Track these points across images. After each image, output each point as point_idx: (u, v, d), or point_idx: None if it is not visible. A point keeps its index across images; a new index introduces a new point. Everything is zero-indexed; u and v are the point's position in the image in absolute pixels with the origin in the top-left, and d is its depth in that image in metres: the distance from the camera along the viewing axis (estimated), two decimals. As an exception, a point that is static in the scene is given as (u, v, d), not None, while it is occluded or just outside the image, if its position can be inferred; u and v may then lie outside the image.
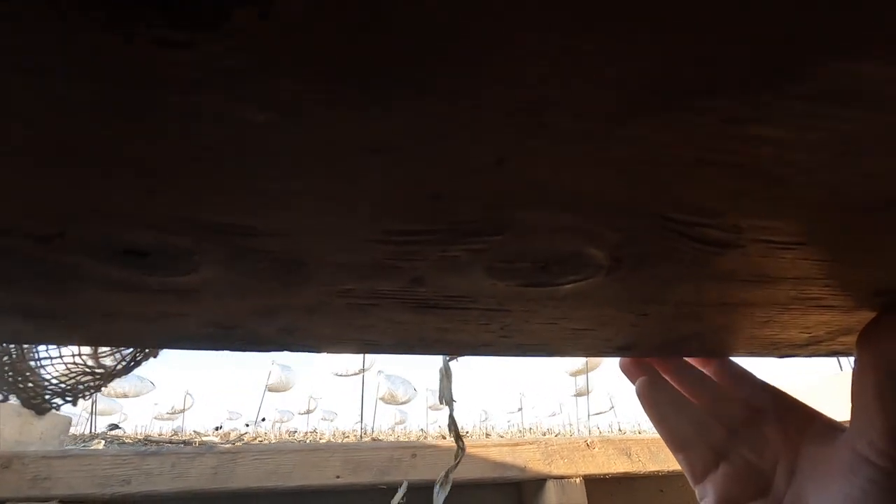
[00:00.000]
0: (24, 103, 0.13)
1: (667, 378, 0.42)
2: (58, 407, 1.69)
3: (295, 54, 0.12)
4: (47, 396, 1.65)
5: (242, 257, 0.21)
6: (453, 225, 0.20)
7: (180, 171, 0.16)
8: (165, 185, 0.17)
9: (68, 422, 2.00)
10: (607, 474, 1.59)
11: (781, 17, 0.12)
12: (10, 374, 1.56)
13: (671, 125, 0.15)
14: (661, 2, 0.11)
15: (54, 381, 1.68)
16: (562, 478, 1.56)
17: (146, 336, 0.34)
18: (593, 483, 1.59)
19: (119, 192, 0.17)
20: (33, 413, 1.65)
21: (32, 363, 1.64)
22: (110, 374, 1.78)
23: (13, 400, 1.59)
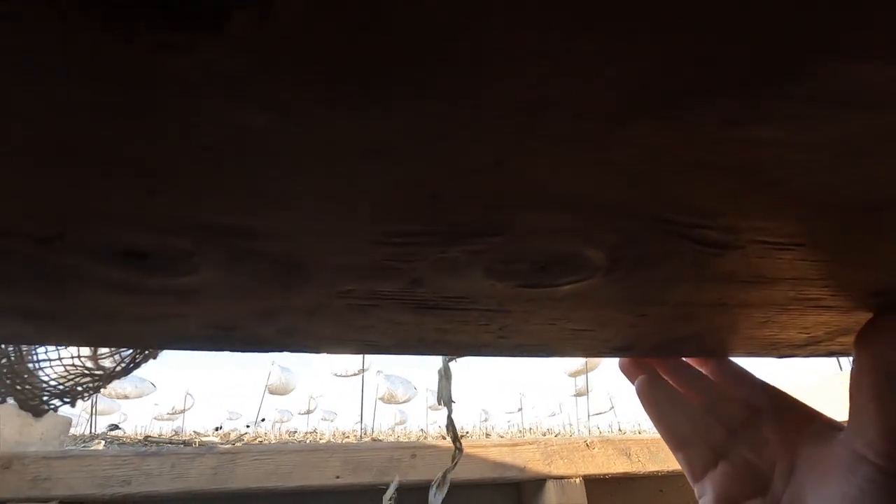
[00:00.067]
0: (23, 103, 0.13)
1: (666, 378, 0.42)
2: (56, 408, 1.69)
3: (295, 55, 0.12)
4: (45, 398, 1.65)
5: (242, 259, 0.21)
6: (452, 226, 0.20)
7: (180, 171, 0.16)
8: (165, 186, 0.17)
9: (68, 422, 2.00)
10: (607, 474, 1.59)
11: (781, 17, 0.12)
12: (9, 375, 1.56)
13: (671, 126, 0.15)
14: (661, 2, 0.11)
15: (53, 383, 1.68)
16: (561, 478, 1.56)
17: (146, 337, 0.34)
18: (593, 483, 1.59)
19: (119, 192, 0.17)
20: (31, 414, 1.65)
21: (31, 365, 1.64)
22: (109, 376, 1.78)
23: (11, 402, 1.59)
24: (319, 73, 0.12)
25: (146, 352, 1.70)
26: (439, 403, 1.18)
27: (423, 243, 0.21)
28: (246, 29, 0.11)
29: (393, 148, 0.15)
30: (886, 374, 0.29)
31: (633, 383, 0.42)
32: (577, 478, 1.57)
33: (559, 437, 2.01)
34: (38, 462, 1.31)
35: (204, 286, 0.24)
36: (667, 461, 1.62)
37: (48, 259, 0.21)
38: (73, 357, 1.73)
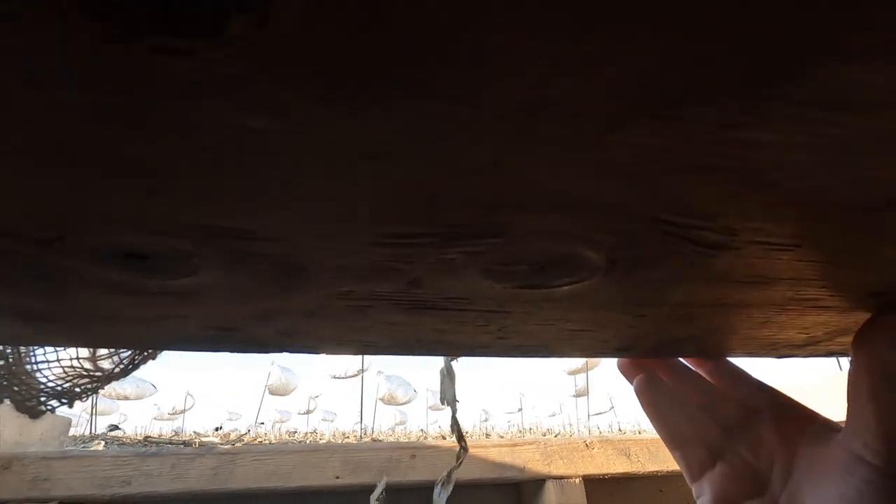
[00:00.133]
0: (23, 104, 0.13)
1: (664, 378, 0.42)
2: (53, 409, 1.69)
3: (295, 55, 0.12)
4: (43, 399, 1.64)
5: (242, 260, 0.21)
6: (451, 227, 0.20)
7: (180, 172, 0.16)
8: (165, 187, 0.17)
9: (68, 423, 2.00)
10: (606, 474, 1.59)
11: (781, 17, 0.12)
12: (6, 377, 1.56)
13: (671, 126, 0.15)
14: (661, 2, 0.11)
15: (51, 384, 1.68)
16: (561, 478, 1.56)
17: (146, 338, 0.34)
18: (592, 483, 1.59)
19: (119, 193, 0.17)
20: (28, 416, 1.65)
21: (29, 366, 1.64)
22: (108, 377, 1.77)
23: (8, 402, 1.58)
24: (319, 73, 0.12)
25: (145, 353, 1.70)
26: (443, 403, 1.18)
27: (422, 244, 0.21)
28: (245, 31, 0.11)
29: (393, 148, 0.15)
30: (884, 375, 0.29)
31: (631, 383, 0.42)
32: (576, 478, 1.57)
33: (559, 437, 2.01)
34: (38, 462, 1.31)
35: (204, 287, 0.24)
36: (666, 461, 1.62)
37: (48, 260, 0.21)
38: (71, 359, 1.73)
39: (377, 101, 0.13)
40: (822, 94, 0.14)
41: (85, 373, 1.75)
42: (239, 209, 0.18)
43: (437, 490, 1.29)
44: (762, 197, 0.18)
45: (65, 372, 1.72)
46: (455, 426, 1.26)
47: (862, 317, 0.31)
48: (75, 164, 0.15)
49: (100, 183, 0.16)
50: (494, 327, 0.31)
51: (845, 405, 0.32)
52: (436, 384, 1.23)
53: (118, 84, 0.12)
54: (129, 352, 1.73)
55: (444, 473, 1.30)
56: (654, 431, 0.42)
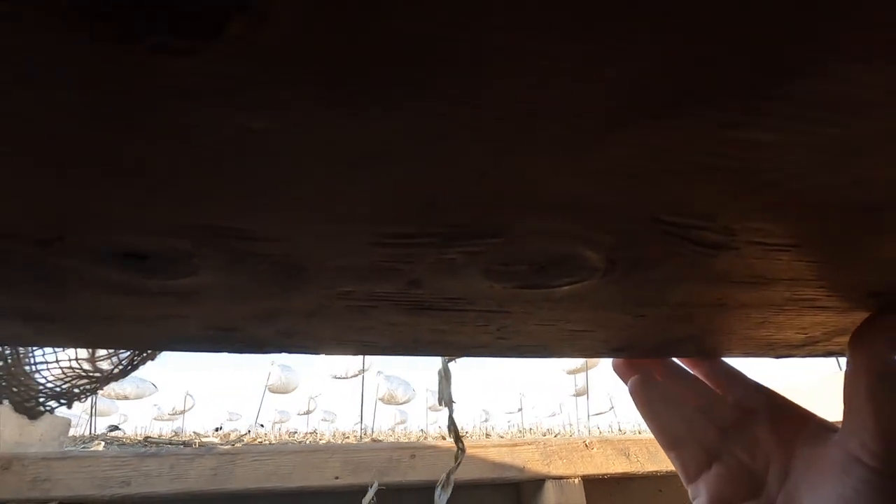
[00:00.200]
0: (23, 104, 0.13)
1: (660, 378, 0.42)
2: (52, 410, 1.69)
3: (295, 55, 0.12)
4: (42, 399, 1.64)
5: (242, 260, 0.21)
6: (450, 227, 0.20)
7: (180, 172, 0.16)
8: (165, 187, 0.17)
9: (67, 423, 2.00)
10: (606, 474, 1.59)
11: (781, 17, 0.12)
12: (4, 377, 1.56)
13: (671, 126, 0.15)
14: (661, 2, 0.11)
15: (49, 385, 1.68)
16: (560, 478, 1.56)
17: (146, 338, 0.34)
18: (592, 483, 1.59)
19: (119, 193, 0.17)
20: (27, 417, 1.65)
21: (28, 367, 1.64)
22: (107, 378, 1.77)
23: (6, 403, 1.58)
24: (319, 73, 0.12)
25: (144, 354, 1.70)
26: (440, 404, 1.18)
27: (421, 245, 0.21)
28: (245, 31, 0.11)
29: (393, 148, 0.15)
30: (880, 376, 0.29)
31: (626, 384, 0.42)
32: (575, 478, 1.57)
33: (558, 437, 2.01)
34: (38, 463, 1.31)
35: (204, 288, 0.24)
36: (665, 461, 1.61)
37: (48, 260, 0.21)
38: (70, 359, 1.73)
39: (377, 101, 0.13)
40: (822, 94, 0.14)
41: (84, 373, 1.75)
42: (239, 209, 0.18)
43: (437, 492, 1.28)
44: (762, 197, 0.18)
45: (64, 373, 1.72)
46: (452, 427, 1.26)
47: (860, 317, 0.31)
48: (75, 164, 0.15)
49: (100, 183, 0.16)
50: (494, 327, 0.31)
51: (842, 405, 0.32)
52: (435, 384, 1.23)
53: (118, 84, 0.12)
54: (128, 352, 1.73)
55: (444, 475, 1.30)
56: (654, 432, 0.42)
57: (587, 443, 1.64)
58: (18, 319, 0.28)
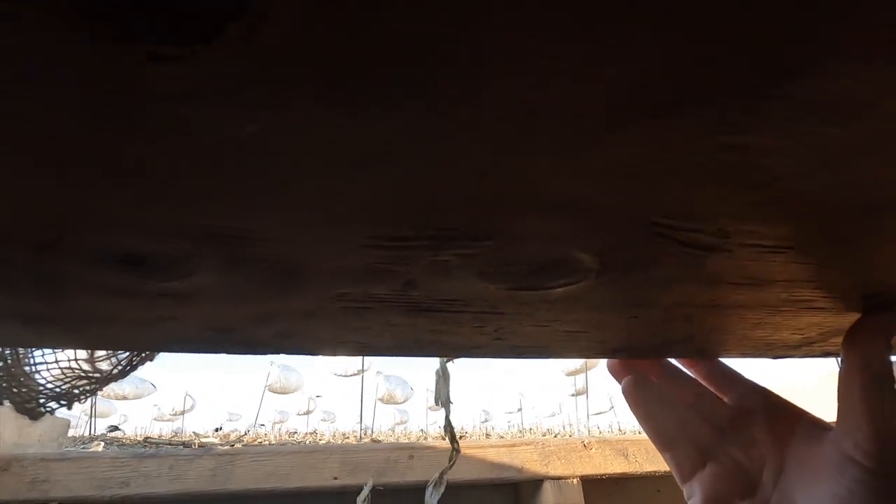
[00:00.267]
0: (23, 104, 0.13)
1: (655, 379, 0.42)
2: (52, 411, 1.69)
3: (295, 55, 0.12)
4: (41, 400, 1.64)
5: (240, 263, 0.21)
6: (446, 229, 0.20)
7: (179, 174, 0.16)
8: (164, 188, 0.17)
9: (67, 424, 2.00)
10: (604, 475, 1.59)
11: (781, 17, 0.12)
12: (4, 378, 1.56)
13: (671, 126, 0.15)
14: (661, 2, 0.11)
15: (49, 386, 1.67)
16: (559, 478, 1.56)
17: (144, 339, 0.34)
18: (590, 483, 1.59)
19: (118, 195, 0.17)
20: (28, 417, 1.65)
21: (27, 368, 1.63)
22: (106, 378, 1.77)
23: (7, 404, 1.58)
24: (319, 73, 0.12)
25: (143, 354, 1.69)
26: (437, 404, 1.18)
27: (416, 247, 0.21)
28: (245, 31, 0.11)
29: (393, 148, 0.15)
30: (873, 377, 0.29)
31: (620, 384, 0.42)
32: (574, 478, 1.57)
33: (557, 437, 2.01)
34: (37, 464, 1.31)
35: (202, 289, 0.24)
36: (664, 461, 1.61)
37: (47, 263, 0.21)
38: (69, 360, 1.73)
39: (377, 101, 0.13)
40: (822, 94, 0.14)
41: (83, 374, 1.75)
42: (239, 209, 0.18)
43: (428, 491, 1.29)
44: (760, 197, 0.18)
45: (63, 373, 1.72)
46: (448, 427, 1.26)
47: (856, 317, 0.31)
48: (75, 164, 0.15)
49: (100, 183, 0.16)
50: (491, 329, 0.31)
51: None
52: (434, 384, 1.23)
53: (118, 84, 0.12)
54: (127, 353, 1.73)
55: (436, 475, 1.30)
56: (654, 432, 0.42)
57: (585, 443, 1.64)
58: (17, 321, 0.28)
